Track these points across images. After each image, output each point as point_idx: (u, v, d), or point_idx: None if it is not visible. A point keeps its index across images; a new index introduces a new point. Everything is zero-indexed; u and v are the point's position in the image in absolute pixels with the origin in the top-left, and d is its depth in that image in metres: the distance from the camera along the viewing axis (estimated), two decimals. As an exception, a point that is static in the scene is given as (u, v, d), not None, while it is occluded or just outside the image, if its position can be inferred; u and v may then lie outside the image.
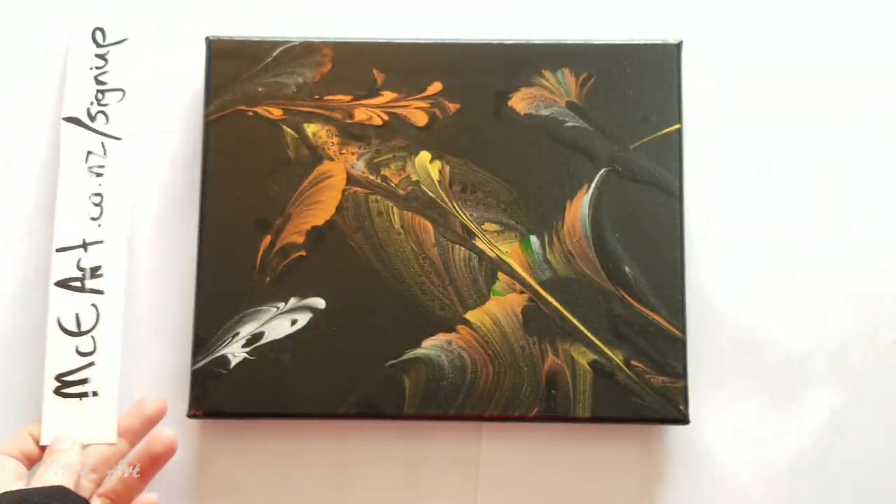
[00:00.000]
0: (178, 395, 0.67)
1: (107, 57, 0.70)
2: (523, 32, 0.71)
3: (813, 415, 0.69)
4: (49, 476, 0.60)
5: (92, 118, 0.69)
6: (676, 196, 0.68)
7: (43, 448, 0.64)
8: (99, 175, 0.68)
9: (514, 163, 0.68)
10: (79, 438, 0.64)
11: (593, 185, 0.68)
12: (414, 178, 0.68)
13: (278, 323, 0.67)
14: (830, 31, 0.72)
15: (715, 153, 0.71)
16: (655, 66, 0.69)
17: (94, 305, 0.67)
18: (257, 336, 0.66)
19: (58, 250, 0.67)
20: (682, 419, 0.66)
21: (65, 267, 0.67)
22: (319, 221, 0.68)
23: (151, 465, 0.64)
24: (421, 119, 0.69)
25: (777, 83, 0.72)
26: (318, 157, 0.68)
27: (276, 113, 0.69)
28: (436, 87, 0.69)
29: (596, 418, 0.66)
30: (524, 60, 0.69)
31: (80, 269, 0.67)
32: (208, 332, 0.66)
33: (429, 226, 0.68)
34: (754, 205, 0.71)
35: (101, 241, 0.67)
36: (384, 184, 0.68)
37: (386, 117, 0.69)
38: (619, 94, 0.69)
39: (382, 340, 0.66)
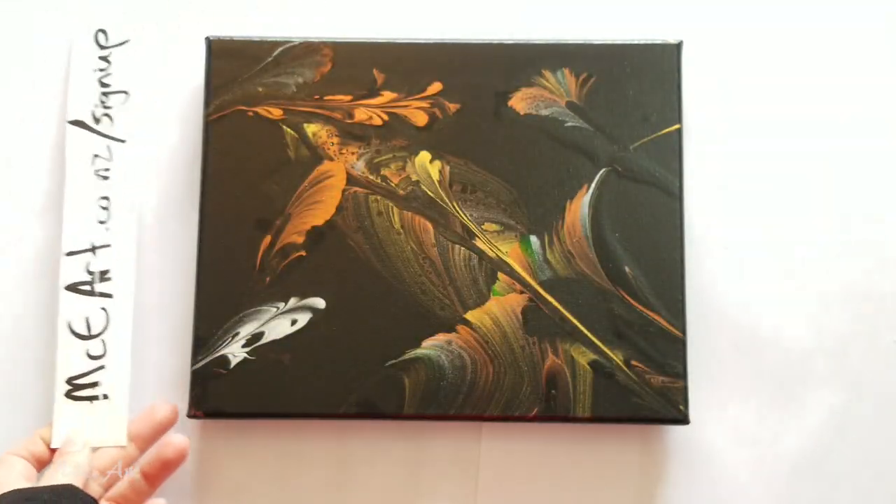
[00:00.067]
0: (178, 395, 0.67)
1: (109, 59, 0.70)
2: (523, 32, 0.71)
3: (813, 415, 0.69)
4: (59, 476, 0.61)
5: (97, 121, 0.69)
6: (676, 196, 0.68)
7: (53, 451, 0.64)
8: (105, 178, 0.68)
9: (514, 163, 0.68)
10: (89, 441, 0.64)
11: (593, 185, 0.68)
12: (414, 178, 0.68)
13: (278, 323, 0.67)
14: (830, 32, 0.72)
15: (715, 153, 0.71)
16: (655, 66, 0.69)
17: (103, 309, 0.67)
18: (257, 336, 0.66)
19: (67, 254, 0.67)
20: (682, 419, 0.66)
21: (74, 271, 0.67)
22: (319, 221, 0.68)
23: (162, 470, 0.64)
24: (421, 119, 0.69)
25: (777, 83, 0.72)
26: (318, 157, 0.68)
27: (276, 113, 0.69)
28: (436, 87, 0.69)
29: (596, 418, 0.66)
30: (524, 60, 0.69)
31: (89, 272, 0.67)
32: (208, 332, 0.66)
33: (429, 226, 0.68)
34: (754, 205, 0.71)
35: (108, 245, 0.68)
36: (384, 184, 0.68)
37: (386, 117, 0.69)
38: (619, 94, 0.69)
39: (382, 340, 0.66)
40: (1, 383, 0.69)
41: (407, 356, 0.66)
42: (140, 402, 0.67)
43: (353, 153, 0.68)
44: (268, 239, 0.67)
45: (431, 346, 0.66)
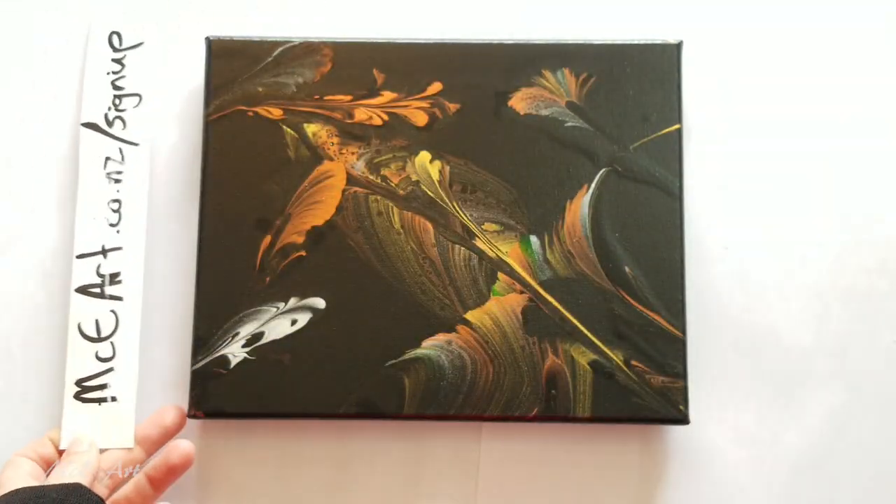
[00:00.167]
0: (178, 395, 0.67)
1: (123, 61, 0.70)
2: (523, 32, 0.71)
3: (813, 415, 0.69)
4: (67, 474, 0.61)
5: (109, 123, 0.69)
6: (676, 196, 0.68)
7: (61, 453, 0.65)
8: (117, 181, 0.68)
9: (514, 163, 0.68)
10: (96, 442, 0.64)
11: (593, 185, 0.68)
12: (414, 178, 0.68)
13: (278, 323, 0.67)
14: (830, 32, 0.72)
15: (715, 153, 0.71)
16: (655, 66, 0.69)
17: (113, 311, 0.67)
18: (257, 336, 0.66)
19: (78, 257, 0.68)
20: (682, 419, 0.66)
21: (85, 273, 0.67)
22: (319, 221, 0.68)
23: (167, 475, 0.64)
24: (421, 119, 0.69)
25: (777, 83, 0.72)
26: (318, 157, 0.68)
27: (276, 113, 0.69)
28: (436, 87, 0.69)
29: (596, 418, 0.66)
30: (524, 60, 0.69)
31: (99, 275, 0.67)
32: (208, 332, 0.66)
33: (429, 226, 0.68)
34: (754, 205, 0.71)
35: (119, 248, 0.68)
36: (384, 184, 0.68)
37: (386, 117, 0.69)
38: (619, 94, 0.69)
39: (382, 340, 0.66)
40: (11, 384, 0.69)
41: (407, 356, 0.66)
42: (140, 403, 0.67)
43: (353, 153, 0.68)
44: (268, 239, 0.67)
45: (431, 346, 0.66)
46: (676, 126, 0.68)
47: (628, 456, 0.68)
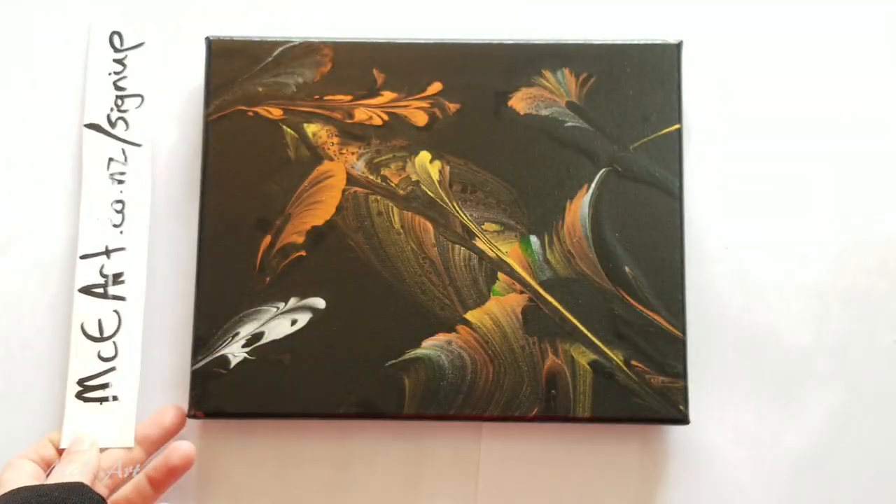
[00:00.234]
0: (178, 395, 0.67)
1: (125, 62, 0.70)
2: (523, 32, 0.71)
3: (813, 415, 0.69)
4: (68, 473, 0.61)
5: (112, 125, 0.69)
6: (676, 196, 0.68)
7: (61, 453, 0.64)
8: (120, 182, 0.68)
9: (514, 163, 0.68)
10: (97, 441, 0.64)
11: (593, 185, 0.68)
12: (414, 178, 0.68)
13: (278, 323, 0.67)
14: (830, 32, 0.72)
15: (715, 153, 0.71)
16: (655, 66, 0.69)
17: (115, 311, 0.67)
18: (257, 336, 0.66)
19: (81, 257, 0.68)
20: (682, 419, 0.66)
21: (88, 274, 0.68)
22: (319, 221, 0.68)
23: (167, 476, 0.64)
24: (421, 119, 0.69)
25: (777, 83, 0.72)
26: (318, 157, 0.68)
27: (276, 113, 0.69)
28: (436, 87, 0.69)
29: (596, 418, 0.66)
30: (524, 60, 0.69)
31: (102, 275, 0.68)
32: (208, 332, 0.66)
33: (429, 226, 0.68)
34: (754, 205, 0.71)
35: (123, 248, 0.68)
36: (384, 184, 0.68)
37: (386, 117, 0.69)
38: (619, 94, 0.69)
39: (382, 340, 0.66)
40: (12, 384, 0.69)
41: (407, 356, 0.66)
42: (140, 403, 0.67)
43: (353, 153, 0.68)
44: (268, 239, 0.67)
45: (431, 346, 0.66)
46: (676, 126, 0.68)
47: (628, 456, 0.68)
